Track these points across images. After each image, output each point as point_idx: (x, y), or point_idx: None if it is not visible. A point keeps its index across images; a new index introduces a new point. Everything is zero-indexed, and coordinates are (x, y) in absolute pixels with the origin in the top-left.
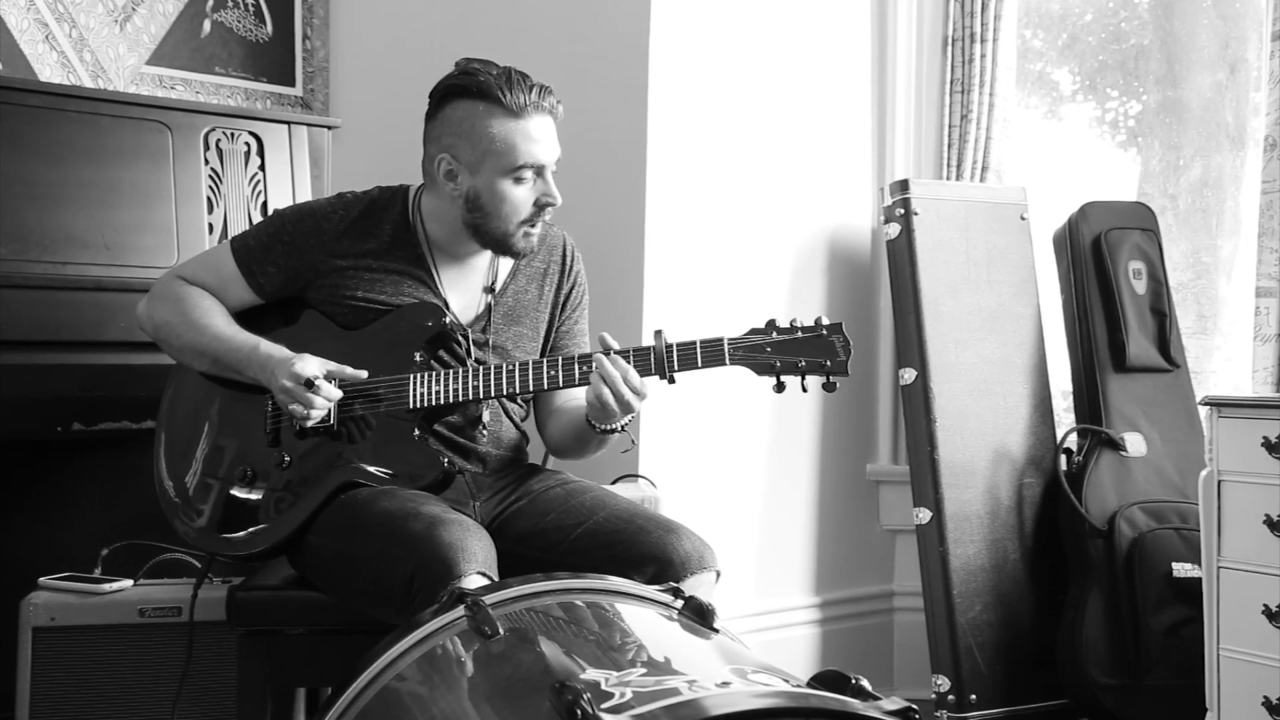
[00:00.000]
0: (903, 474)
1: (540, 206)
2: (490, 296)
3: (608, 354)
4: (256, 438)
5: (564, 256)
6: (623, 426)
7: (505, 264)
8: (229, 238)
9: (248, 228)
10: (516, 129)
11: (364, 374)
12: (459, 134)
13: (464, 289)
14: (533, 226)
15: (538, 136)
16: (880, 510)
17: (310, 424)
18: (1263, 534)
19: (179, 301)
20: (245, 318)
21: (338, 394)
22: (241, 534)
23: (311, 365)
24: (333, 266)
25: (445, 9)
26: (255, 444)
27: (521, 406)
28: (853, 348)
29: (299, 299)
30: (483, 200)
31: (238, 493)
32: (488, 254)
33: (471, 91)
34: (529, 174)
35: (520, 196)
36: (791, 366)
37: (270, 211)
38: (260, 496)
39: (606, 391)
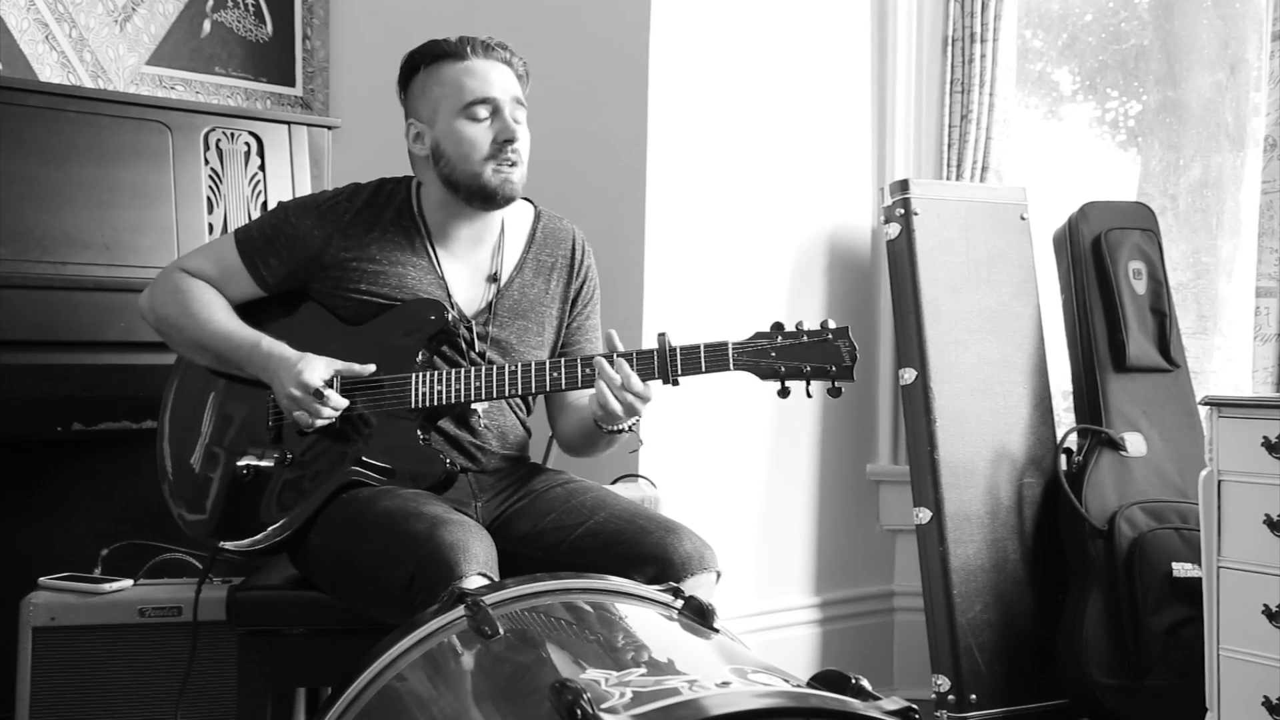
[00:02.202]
0: (903, 474)
1: (500, 142)
2: (495, 287)
3: (611, 357)
4: (259, 435)
5: (574, 251)
6: (630, 427)
7: (510, 255)
8: (232, 229)
9: (252, 219)
10: (461, 69)
11: (371, 368)
12: (417, 96)
13: (468, 280)
14: (501, 165)
15: (483, 73)
16: (880, 510)
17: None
18: (1263, 534)
19: (181, 294)
20: (248, 311)
21: (344, 403)
22: (242, 532)
23: (318, 371)
24: (336, 259)
25: (445, 9)
26: (257, 441)
27: (528, 406)
28: (859, 352)
29: (302, 292)
30: (444, 147)
31: (239, 490)
32: (492, 244)
33: (425, 55)
34: (482, 110)
35: (476, 133)
36: (796, 371)
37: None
38: (262, 494)
39: (609, 395)
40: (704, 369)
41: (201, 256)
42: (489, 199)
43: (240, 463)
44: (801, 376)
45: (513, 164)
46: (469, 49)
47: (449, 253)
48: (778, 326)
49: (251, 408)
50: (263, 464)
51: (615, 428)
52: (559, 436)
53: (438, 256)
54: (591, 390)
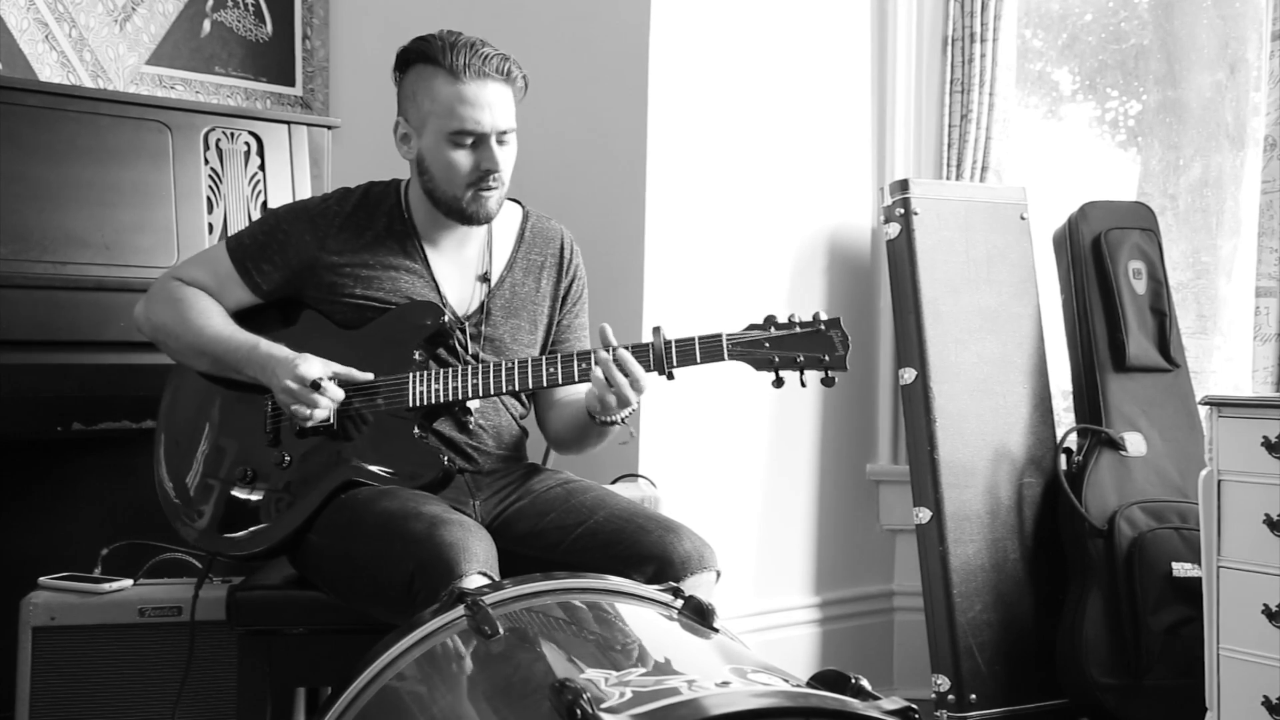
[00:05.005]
0: (903, 474)
1: (483, 171)
2: (486, 287)
3: (608, 349)
4: (256, 437)
5: (562, 250)
6: (623, 419)
7: (500, 254)
8: (225, 237)
9: (243, 227)
10: (454, 93)
11: (369, 376)
12: (409, 97)
13: (459, 281)
14: (480, 191)
15: (476, 101)
16: (880, 510)
17: (310, 424)
18: (1263, 534)
19: (176, 302)
20: (243, 318)
21: (341, 394)
22: (242, 534)
23: (315, 366)
24: (329, 264)
25: (445, 9)
26: (255, 444)
27: (523, 405)
28: (851, 342)
29: (298, 299)
30: (427, 163)
31: (238, 493)
32: (480, 244)
33: (422, 56)
34: (467, 140)
35: (459, 160)
36: (790, 362)
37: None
38: (260, 496)
39: (605, 385)
40: (699, 360)
41: (195, 265)
42: (465, 220)
43: (239, 465)
44: (795, 367)
45: (492, 189)
46: (464, 68)
47: (439, 254)
48: (770, 319)
49: (250, 411)
50: (261, 466)
51: (608, 419)
52: (548, 434)
53: (428, 258)
54: (587, 384)
